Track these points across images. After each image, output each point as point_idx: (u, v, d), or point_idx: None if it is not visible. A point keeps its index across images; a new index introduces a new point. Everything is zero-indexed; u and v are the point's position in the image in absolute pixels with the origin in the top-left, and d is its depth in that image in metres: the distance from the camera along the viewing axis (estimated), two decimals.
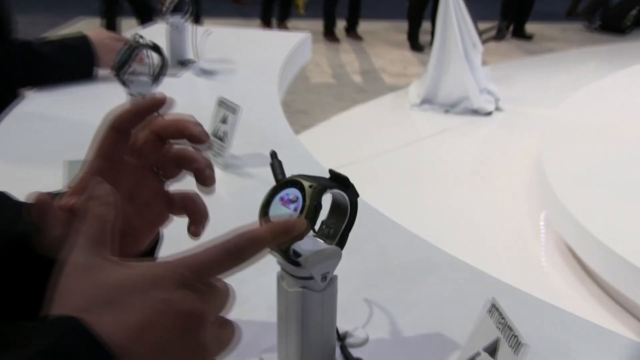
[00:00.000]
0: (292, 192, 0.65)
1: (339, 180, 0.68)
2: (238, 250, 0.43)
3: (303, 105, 5.38)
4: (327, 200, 0.68)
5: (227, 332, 0.45)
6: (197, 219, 0.60)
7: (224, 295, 0.44)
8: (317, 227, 0.72)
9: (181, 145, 0.59)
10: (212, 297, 0.43)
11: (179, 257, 0.43)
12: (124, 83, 1.51)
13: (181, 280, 0.42)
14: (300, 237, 0.50)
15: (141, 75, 1.53)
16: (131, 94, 1.52)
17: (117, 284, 0.41)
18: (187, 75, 2.07)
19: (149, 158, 0.58)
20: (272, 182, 0.70)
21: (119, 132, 0.57)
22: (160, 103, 0.57)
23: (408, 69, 6.53)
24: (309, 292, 0.69)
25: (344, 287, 0.77)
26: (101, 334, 0.38)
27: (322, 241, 0.70)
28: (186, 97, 1.83)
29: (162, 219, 0.60)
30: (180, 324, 0.40)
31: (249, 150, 1.49)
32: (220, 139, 1.45)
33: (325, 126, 4.93)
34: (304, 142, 1.56)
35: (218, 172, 1.29)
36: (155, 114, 0.57)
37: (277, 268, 0.73)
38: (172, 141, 0.59)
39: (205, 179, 0.58)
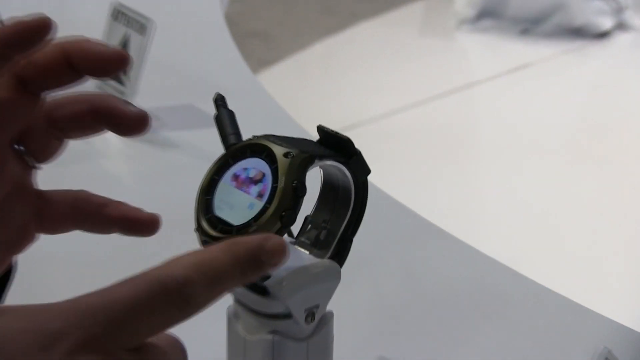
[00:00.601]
0: (255, 166, 0.45)
1: (335, 145, 0.46)
2: (180, 295, 0.31)
3: (261, 22, 3.13)
4: (314, 180, 0.46)
5: None
6: (126, 229, 0.43)
7: None
8: (297, 228, 0.49)
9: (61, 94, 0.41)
10: None
11: (82, 299, 0.31)
12: None
13: (90, 342, 0.30)
14: (278, 263, 0.34)
15: None
16: None
17: None
18: None
19: (6, 127, 0.40)
20: (215, 153, 0.48)
21: None
22: (44, 26, 0.37)
23: None
24: (284, 342, 0.47)
25: (346, 334, 0.58)
26: None
27: (306, 252, 0.49)
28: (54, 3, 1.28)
29: (23, 237, 0.42)
30: None
31: (170, 101, 1.07)
32: (119, 81, 0.98)
33: (301, 60, 2.88)
34: (268, 89, 1.11)
35: (116, 142, 0.95)
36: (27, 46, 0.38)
37: (227, 300, 0.48)
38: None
39: (133, 121, 0.40)
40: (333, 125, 0.48)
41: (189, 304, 0.32)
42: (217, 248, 0.33)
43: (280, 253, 0.34)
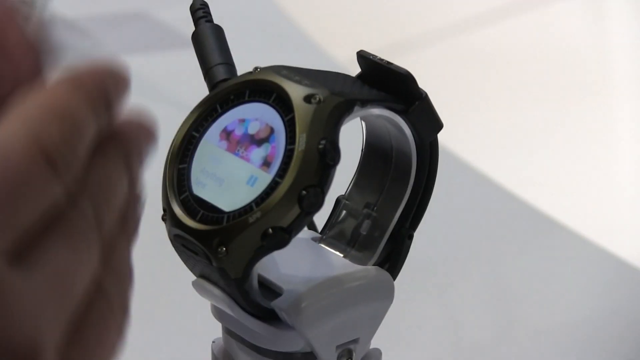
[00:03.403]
0: (258, 116, 0.34)
1: (386, 83, 0.35)
2: (56, 157, 0.27)
3: None
4: (351, 140, 0.36)
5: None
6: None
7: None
8: (325, 216, 0.39)
9: None
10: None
11: None
12: None
13: None
14: (123, 92, 0.29)
15: None
16: None
17: None
18: None
19: None
20: (190, 99, 0.38)
21: None
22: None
23: None
24: None
25: None
26: None
27: (339, 254, 0.38)
28: None
29: None
30: None
31: (111, 5, 0.86)
32: None
33: None
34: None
35: None
36: None
37: (214, 331, 0.39)
38: None
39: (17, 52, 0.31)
40: (372, 48, 0.33)
41: (67, 167, 0.27)
42: (64, 89, 0.28)
43: (124, 85, 0.30)
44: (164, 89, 0.78)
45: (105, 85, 0.29)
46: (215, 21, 0.37)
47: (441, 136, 0.37)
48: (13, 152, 0.27)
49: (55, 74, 0.30)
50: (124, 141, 0.30)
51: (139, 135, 0.31)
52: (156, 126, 0.30)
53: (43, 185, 0.27)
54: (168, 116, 0.38)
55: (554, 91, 1.97)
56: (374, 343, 0.38)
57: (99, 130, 0.29)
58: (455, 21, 2.10)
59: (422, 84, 0.37)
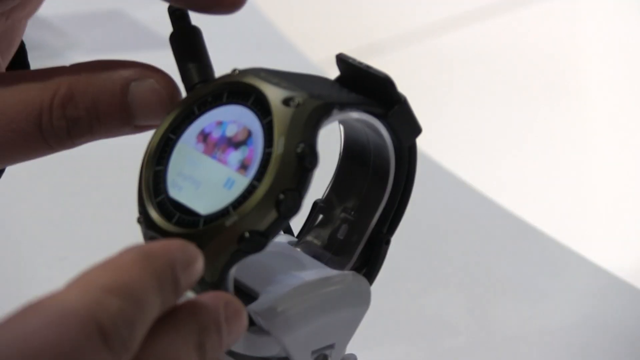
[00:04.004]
0: (236, 118, 0.33)
1: (365, 87, 0.35)
2: (115, 334, 0.26)
3: None
4: (329, 144, 0.36)
5: None
6: None
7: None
8: (302, 220, 0.39)
9: None
10: None
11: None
12: None
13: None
14: (195, 274, 0.28)
15: None
16: None
17: None
18: None
19: None
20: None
21: None
22: None
23: None
24: None
25: None
26: None
27: (315, 258, 0.38)
28: None
29: None
30: None
31: (86, 4, 0.84)
32: None
33: None
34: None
35: None
36: None
37: None
38: None
39: None
40: (349, 50, 0.33)
41: (124, 345, 0.27)
42: (129, 264, 0.27)
43: (197, 269, 0.29)
44: None
45: (175, 263, 0.28)
46: (193, 23, 0.37)
47: (418, 139, 0.37)
48: (69, 324, 0.26)
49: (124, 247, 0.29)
50: (200, 315, 0.29)
51: (221, 310, 0.29)
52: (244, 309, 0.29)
53: (94, 358, 0.26)
54: None
55: (529, 94, 1.97)
56: (350, 349, 0.37)
57: (163, 309, 0.28)
58: (431, 23, 2.08)
59: (398, 85, 0.37)
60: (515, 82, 1.93)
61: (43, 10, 0.77)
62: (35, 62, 0.79)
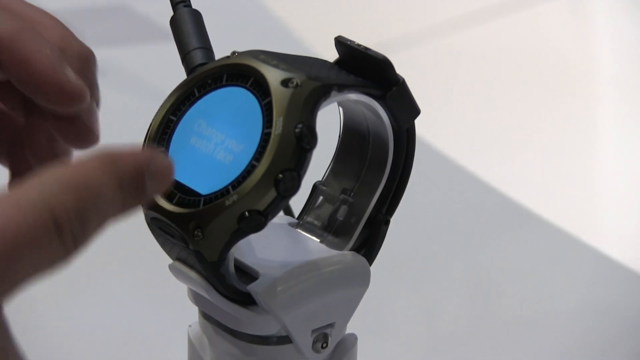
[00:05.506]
0: (235, 100, 0.34)
1: (364, 69, 0.35)
2: (68, 228, 0.28)
3: None
4: (328, 125, 0.37)
5: None
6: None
7: None
8: (302, 201, 0.38)
9: None
10: None
11: None
12: None
13: None
14: (159, 191, 0.29)
15: None
16: None
17: None
18: None
19: None
20: (167, 87, 0.37)
21: None
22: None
23: None
24: None
25: None
26: None
27: (315, 239, 0.38)
28: None
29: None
30: None
31: None
32: None
33: None
34: None
35: None
36: None
37: (190, 315, 0.39)
38: None
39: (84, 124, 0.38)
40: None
41: (75, 239, 0.28)
42: (92, 165, 0.29)
43: (166, 177, 0.30)
44: (145, 82, 0.78)
45: (142, 169, 0.29)
46: (194, 7, 0.37)
47: (424, 131, 0.37)
48: (26, 213, 0.27)
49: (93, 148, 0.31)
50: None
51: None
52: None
53: (47, 247, 0.28)
54: (149, 108, 0.37)
55: (537, 89, 1.98)
56: (350, 329, 0.37)
57: (123, 211, 0.29)
58: (440, 22, 2.10)
59: (410, 83, 0.37)
60: (526, 79, 1.94)
61: (48, 4, 0.78)
62: None
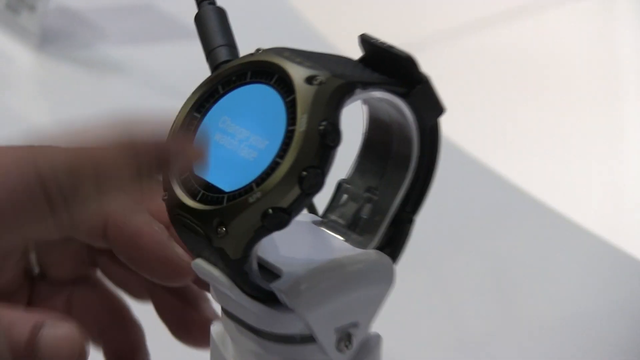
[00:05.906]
0: (259, 97, 0.33)
1: (388, 67, 0.34)
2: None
3: None
4: (352, 123, 0.35)
5: None
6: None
7: None
8: (326, 199, 0.38)
9: None
10: None
11: None
12: None
13: None
14: (186, 164, 0.31)
15: None
16: None
17: None
18: None
19: None
20: (191, 83, 0.36)
21: None
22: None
23: None
24: None
25: None
26: None
27: (339, 237, 0.37)
28: None
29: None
30: None
31: None
32: None
33: None
34: None
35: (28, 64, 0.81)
36: None
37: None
38: None
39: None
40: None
41: (67, 202, 0.28)
42: (107, 148, 0.29)
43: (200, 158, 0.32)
44: (169, 79, 0.77)
45: (155, 156, 0.30)
46: (218, 4, 0.37)
47: (450, 131, 0.36)
48: (7, 163, 0.28)
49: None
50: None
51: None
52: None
53: (31, 208, 0.27)
54: (173, 106, 0.36)
55: (560, 91, 1.96)
56: (375, 329, 0.36)
57: (131, 187, 0.30)
58: (468, 21, 2.07)
59: (437, 83, 0.36)
60: (544, 80, 1.92)
61: (73, 2, 0.78)
62: (66, 52, 0.79)
